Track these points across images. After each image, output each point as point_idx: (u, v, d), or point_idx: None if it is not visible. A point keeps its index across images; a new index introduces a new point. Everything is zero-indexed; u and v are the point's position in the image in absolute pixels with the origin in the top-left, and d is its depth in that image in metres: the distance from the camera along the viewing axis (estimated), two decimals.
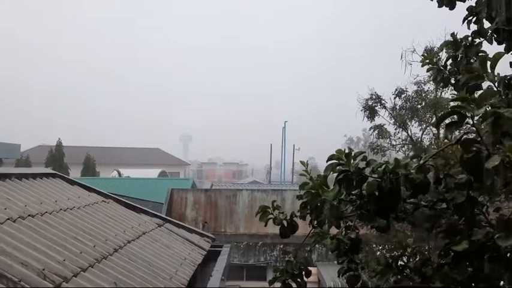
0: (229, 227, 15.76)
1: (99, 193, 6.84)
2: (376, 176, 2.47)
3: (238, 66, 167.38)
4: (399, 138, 12.06)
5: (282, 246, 14.81)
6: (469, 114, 2.05)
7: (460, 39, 3.25)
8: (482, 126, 2.09)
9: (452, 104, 2.26)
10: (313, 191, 2.78)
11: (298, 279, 2.90)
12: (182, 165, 56.69)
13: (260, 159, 70.35)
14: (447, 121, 2.34)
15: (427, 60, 3.65)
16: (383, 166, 2.48)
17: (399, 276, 2.75)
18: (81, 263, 3.91)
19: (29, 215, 4.35)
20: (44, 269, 3.37)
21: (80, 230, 4.74)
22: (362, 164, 2.58)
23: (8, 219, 4.01)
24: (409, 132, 11.99)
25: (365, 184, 2.48)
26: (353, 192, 2.62)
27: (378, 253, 8.87)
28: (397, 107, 11.84)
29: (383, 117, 11.94)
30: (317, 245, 3.12)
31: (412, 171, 2.42)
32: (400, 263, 2.95)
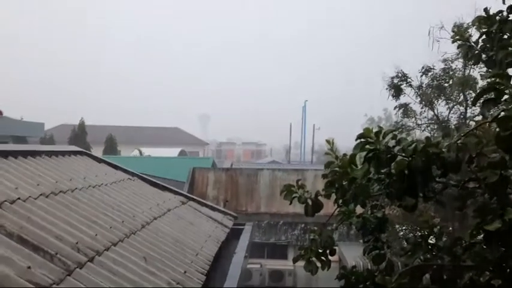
0: (250, 205, 15.91)
1: (125, 171, 6.99)
2: (405, 154, 2.45)
3: (257, 46, 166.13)
4: (425, 117, 11.84)
5: (303, 225, 14.91)
6: (507, 91, 2.00)
7: (494, 14, 3.15)
8: None
9: (481, 81, 2.21)
10: (340, 170, 2.78)
11: (323, 258, 2.93)
12: (201, 144, 57.10)
13: (279, 139, 70.30)
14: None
15: (458, 37, 3.55)
16: (413, 144, 2.46)
17: (428, 256, 2.75)
18: (112, 237, 4.04)
19: (60, 191, 4.49)
20: (77, 243, 3.49)
21: (108, 206, 4.87)
22: (392, 143, 2.56)
23: (41, 194, 4.14)
24: (435, 111, 11.75)
25: (394, 162, 2.47)
26: (382, 171, 2.61)
27: (401, 233, 8.86)
28: (424, 86, 11.59)
29: (409, 96, 11.73)
30: (339, 225, 3.13)
31: (443, 149, 2.39)
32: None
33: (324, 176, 2.88)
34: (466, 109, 11.42)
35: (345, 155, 2.81)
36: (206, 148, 59.63)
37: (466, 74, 11.45)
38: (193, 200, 7.67)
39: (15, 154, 4.89)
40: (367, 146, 2.58)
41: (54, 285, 2.85)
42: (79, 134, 33.18)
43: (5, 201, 3.60)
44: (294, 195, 3.01)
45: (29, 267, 2.85)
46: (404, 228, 9.28)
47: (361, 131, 2.62)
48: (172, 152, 34.35)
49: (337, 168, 2.79)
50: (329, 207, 2.97)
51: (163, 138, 49.04)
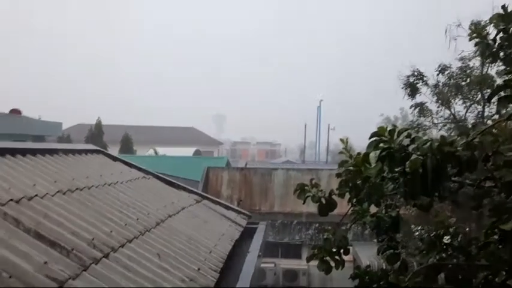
0: (264, 205, 15.92)
1: (139, 169, 7.06)
2: (420, 153, 2.42)
3: (271, 45, 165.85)
4: (441, 116, 11.70)
5: (317, 225, 14.86)
6: None
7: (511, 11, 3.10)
8: None
9: (498, 80, 2.19)
10: (354, 169, 2.76)
11: (336, 257, 2.92)
12: (216, 144, 57.35)
13: (293, 139, 70.23)
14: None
15: (475, 34, 3.51)
16: (428, 143, 2.44)
17: (443, 255, 2.72)
18: (127, 234, 4.09)
19: (76, 188, 4.56)
20: (93, 239, 3.54)
21: (123, 203, 4.93)
22: (406, 141, 2.54)
23: (58, 191, 4.22)
24: (452, 110, 11.60)
25: (408, 161, 2.45)
26: (396, 170, 2.59)
27: (417, 233, 8.76)
28: (440, 84, 11.45)
29: (425, 95, 11.60)
30: (353, 224, 3.12)
31: (458, 148, 2.37)
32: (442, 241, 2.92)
33: (338, 175, 2.87)
34: (483, 108, 11.24)
35: (358, 153, 2.80)
36: (220, 148, 59.85)
37: (484, 72, 11.26)
38: (208, 198, 7.71)
39: (33, 152, 4.99)
40: (381, 145, 2.56)
41: (70, 280, 2.89)
42: (96, 134, 33.60)
43: (23, 197, 3.68)
44: (308, 194, 3.00)
45: (46, 263, 2.90)
46: (419, 228, 9.18)
47: None
48: (187, 151, 34.54)
49: (351, 167, 2.78)
50: (343, 206, 2.96)
51: (178, 138, 49.37)
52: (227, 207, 7.71)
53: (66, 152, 5.75)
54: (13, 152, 4.67)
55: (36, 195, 3.84)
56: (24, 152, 4.84)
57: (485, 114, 11.19)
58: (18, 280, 2.65)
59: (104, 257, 3.44)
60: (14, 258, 2.79)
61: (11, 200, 3.50)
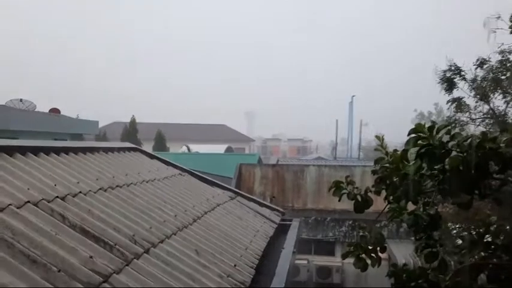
0: (296, 201, 15.89)
1: (175, 166, 7.21)
2: (460, 150, 2.39)
3: (302, 41, 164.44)
4: (480, 111, 11.31)
5: (351, 222, 14.73)
6: None
7: None
8: None
9: None
10: (391, 166, 2.74)
11: (372, 255, 2.90)
12: (247, 141, 57.59)
13: (324, 135, 69.71)
14: None
15: None
16: (469, 140, 2.40)
17: (485, 254, 2.67)
18: (165, 230, 4.20)
19: (117, 186, 4.72)
20: (134, 235, 3.67)
21: (161, 200, 5.06)
22: (446, 138, 2.50)
23: (100, 189, 4.38)
24: (491, 105, 11.20)
25: (448, 158, 2.42)
26: (435, 167, 2.56)
27: (455, 232, 8.55)
28: (478, 79, 11.07)
29: (462, 90, 11.24)
30: (389, 222, 3.09)
31: (501, 145, 2.32)
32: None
33: (374, 172, 2.86)
34: None
35: (395, 150, 2.78)
36: (252, 144, 60.05)
37: None
38: (241, 195, 7.79)
39: (75, 150, 5.19)
40: (420, 142, 2.54)
41: (114, 275, 3.01)
42: (130, 131, 34.44)
43: (68, 194, 3.84)
44: (343, 191, 3.01)
45: (91, 257, 3.02)
46: (458, 226, 8.95)
47: (412, 126, 2.58)
48: (220, 148, 34.86)
49: (387, 164, 2.76)
50: (378, 204, 2.94)
51: (210, 135, 49.89)
52: (261, 204, 7.76)
53: (106, 150, 5.94)
54: (57, 150, 4.87)
55: (80, 192, 4.01)
56: (67, 150, 5.04)
57: None
58: (66, 273, 2.78)
59: (144, 252, 3.55)
60: (62, 253, 2.93)
61: (57, 197, 3.67)
